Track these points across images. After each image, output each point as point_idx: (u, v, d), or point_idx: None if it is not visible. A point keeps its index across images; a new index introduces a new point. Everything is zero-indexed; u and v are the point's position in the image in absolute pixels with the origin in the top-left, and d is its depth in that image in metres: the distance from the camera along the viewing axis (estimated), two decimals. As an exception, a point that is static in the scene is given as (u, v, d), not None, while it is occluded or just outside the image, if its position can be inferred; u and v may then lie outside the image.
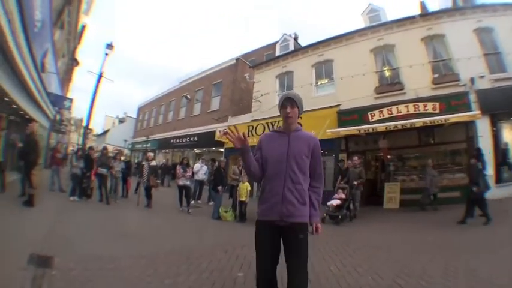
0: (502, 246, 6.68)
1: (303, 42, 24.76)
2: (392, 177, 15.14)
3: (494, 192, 11.70)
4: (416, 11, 20.81)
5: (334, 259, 5.91)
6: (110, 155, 13.61)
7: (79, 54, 30.35)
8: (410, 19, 15.76)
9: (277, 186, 2.75)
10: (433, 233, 8.72)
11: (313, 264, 5.28)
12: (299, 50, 20.63)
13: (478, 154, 10.98)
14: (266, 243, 2.75)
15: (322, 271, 5.10)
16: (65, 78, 28.76)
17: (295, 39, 25.44)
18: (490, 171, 10.41)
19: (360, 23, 18.91)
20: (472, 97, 13.20)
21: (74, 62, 29.40)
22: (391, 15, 17.95)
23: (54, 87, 19.26)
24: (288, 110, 2.88)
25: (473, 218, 9.57)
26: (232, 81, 24.76)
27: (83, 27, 27.46)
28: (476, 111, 12.51)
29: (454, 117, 12.36)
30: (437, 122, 12.60)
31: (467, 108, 12.98)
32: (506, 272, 4.99)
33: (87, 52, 45.57)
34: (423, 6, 20.39)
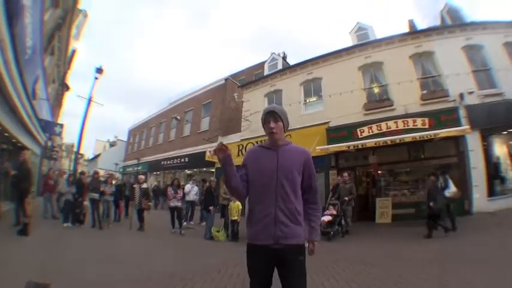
0: (494, 258, 6.72)
1: (292, 61, 24.98)
2: (384, 192, 15.22)
3: (487, 206, 12.09)
4: (404, 29, 21.15)
5: (327, 274, 5.95)
6: (101, 179, 13.56)
7: (69, 79, 30.41)
8: (398, 37, 16.05)
9: (268, 206, 2.51)
10: (426, 246, 8.78)
11: (306, 280, 5.34)
12: (287, 69, 20.72)
13: (441, 173, 11.26)
14: (260, 269, 2.53)
15: (315, 287, 5.13)
16: (55, 104, 28.69)
17: (284, 58, 25.56)
18: (453, 188, 10.56)
19: (348, 42, 19.09)
20: (462, 112, 13.38)
21: (64, 87, 29.39)
22: (379, 34, 18.18)
23: (44, 113, 19.23)
24: (272, 124, 2.64)
25: (455, 230, 10.04)
26: (222, 101, 24.88)
27: (73, 52, 27.55)
28: (465, 126, 12.70)
29: (443, 132, 12.53)
30: (427, 137, 12.74)
31: (457, 123, 13.15)
32: (501, 284, 5.04)
33: (77, 76, 45.47)
34: (412, 24, 20.73)
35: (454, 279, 5.37)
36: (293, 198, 2.56)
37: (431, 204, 10.08)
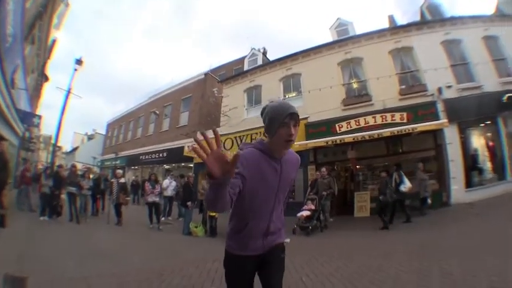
0: (473, 248, 6.75)
1: (272, 56, 24.92)
2: (362, 187, 15.43)
3: (465, 197, 12.35)
4: (384, 25, 21.28)
5: (306, 269, 5.94)
6: (79, 172, 13.39)
7: (49, 70, 29.85)
8: (378, 33, 16.16)
9: (262, 221, 2.26)
10: (405, 238, 8.87)
11: (285, 276, 5.32)
12: (267, 64, 20.64)
13: (395, 169, 11.61)
14: (245, 277, 2.32)
15: (294, 282, 5.13)
16: (34, 95, 28.12)
17: (264, 53, 25.45)
18: (407, 183, 10.92)
19: (328, 37, 19.09)
20: (440, 106, 13.55)
21: (43, 77, 28.82)
22: (359, 30, 18.22)
23: (23, 104, 18.89)
24: (292, 130, 2.11)
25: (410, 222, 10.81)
26: (201, 96, 24.72)
27: (54, 41, 27.01)
28: (443, 120, 12.90)
29: (421, 126, 12.71)
30: (405, 131, 12.87)
31: (435, 117, 13.31)
32: (481, 273, 5.05)
33: (57, 67, 44.38)
34: (392, 20, 20.85)
35: (433, 271, 5.40)
36: (282, 206, 2.45)
37: (380, 197, 10.85)
